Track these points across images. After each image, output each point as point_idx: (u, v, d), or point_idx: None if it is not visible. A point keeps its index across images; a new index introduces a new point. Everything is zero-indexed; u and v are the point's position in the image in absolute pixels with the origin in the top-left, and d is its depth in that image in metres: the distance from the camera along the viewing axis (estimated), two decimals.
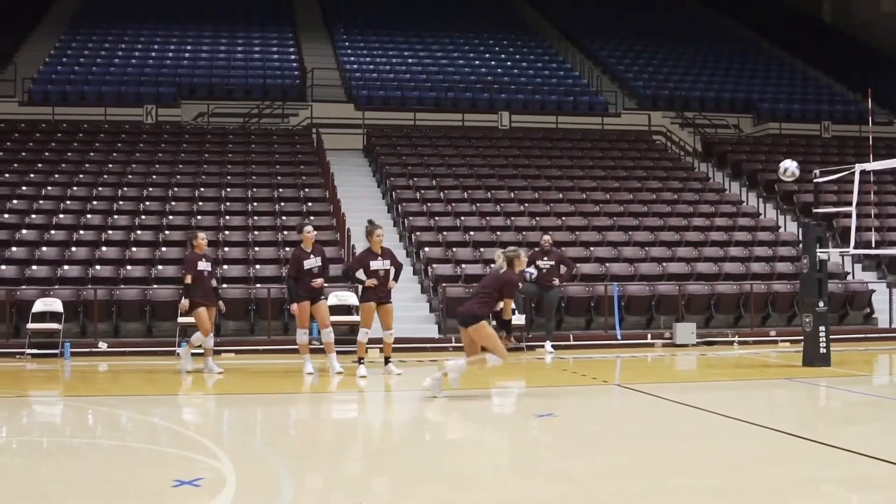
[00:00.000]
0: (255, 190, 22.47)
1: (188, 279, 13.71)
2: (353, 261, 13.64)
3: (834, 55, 37.76)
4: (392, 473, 7.28)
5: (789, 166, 14.23)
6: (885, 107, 31.97)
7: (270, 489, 6.52)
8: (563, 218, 21.90)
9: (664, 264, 20.03)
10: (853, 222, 13.85)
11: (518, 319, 17.13)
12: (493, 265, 13.97)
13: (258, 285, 17.88)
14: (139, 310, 17.24)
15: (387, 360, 13.48)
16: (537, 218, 21.74)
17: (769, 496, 6.34)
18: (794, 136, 29.97)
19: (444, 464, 7.42)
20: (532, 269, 17.18)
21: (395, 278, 13.62)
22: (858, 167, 13.72)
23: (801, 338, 14.61)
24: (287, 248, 17.97)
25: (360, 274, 13.31)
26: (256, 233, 20.21)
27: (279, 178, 23.39)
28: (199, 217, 20.64)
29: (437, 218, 21.46)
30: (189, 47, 32.34)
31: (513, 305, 11.56)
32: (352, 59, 32.18)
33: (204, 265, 13.87)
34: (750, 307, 19.06)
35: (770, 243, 21.78)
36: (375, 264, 13.32)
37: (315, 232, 13.87)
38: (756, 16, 41.53)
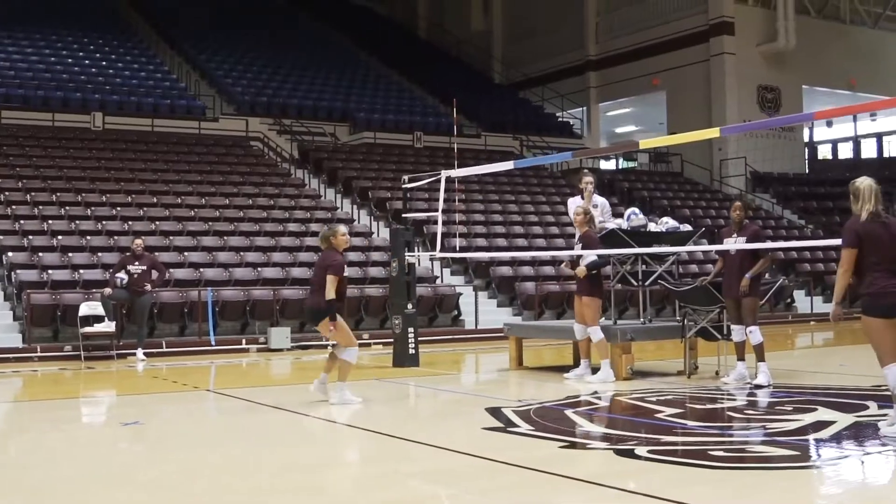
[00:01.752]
0: None
1: None
2: None
3: (428, 69, 39.45)
4: None
5: None
6: (473, 120, 33.79)
7: None
8: (157, 222, 21.44)
9: (259, 269, 20.09)
10: (440, 227, 14.44)
11: (108, 326, 16.62)
12: None
13: None
14: None
15: None
16: (130, 222, 21.13)
17: (359, 490, 6.59)
18: (389, 145, 31.07)
19: (18, 476, 7.05)
20: (123, 275, 16.71)
21: None
22: (444, 173, 14.34)
23: (392, 340, 15.13)
24: None
25: None
26: None
27: None
28: None
29: (22, 221, 20.35)
30: None
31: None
32: None
33: None
34: (343, 311, 19.43)
35: (363, 248, 22.40)
36: None
37: None
38: (356, 28, 42.60)
